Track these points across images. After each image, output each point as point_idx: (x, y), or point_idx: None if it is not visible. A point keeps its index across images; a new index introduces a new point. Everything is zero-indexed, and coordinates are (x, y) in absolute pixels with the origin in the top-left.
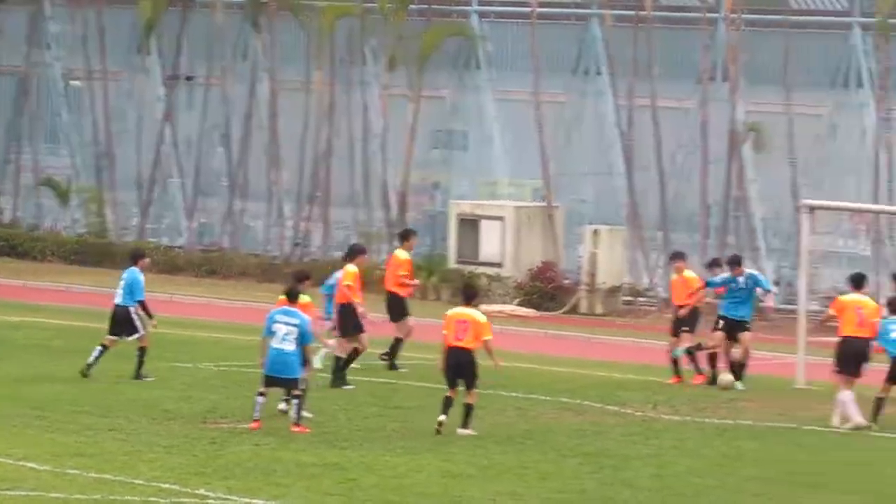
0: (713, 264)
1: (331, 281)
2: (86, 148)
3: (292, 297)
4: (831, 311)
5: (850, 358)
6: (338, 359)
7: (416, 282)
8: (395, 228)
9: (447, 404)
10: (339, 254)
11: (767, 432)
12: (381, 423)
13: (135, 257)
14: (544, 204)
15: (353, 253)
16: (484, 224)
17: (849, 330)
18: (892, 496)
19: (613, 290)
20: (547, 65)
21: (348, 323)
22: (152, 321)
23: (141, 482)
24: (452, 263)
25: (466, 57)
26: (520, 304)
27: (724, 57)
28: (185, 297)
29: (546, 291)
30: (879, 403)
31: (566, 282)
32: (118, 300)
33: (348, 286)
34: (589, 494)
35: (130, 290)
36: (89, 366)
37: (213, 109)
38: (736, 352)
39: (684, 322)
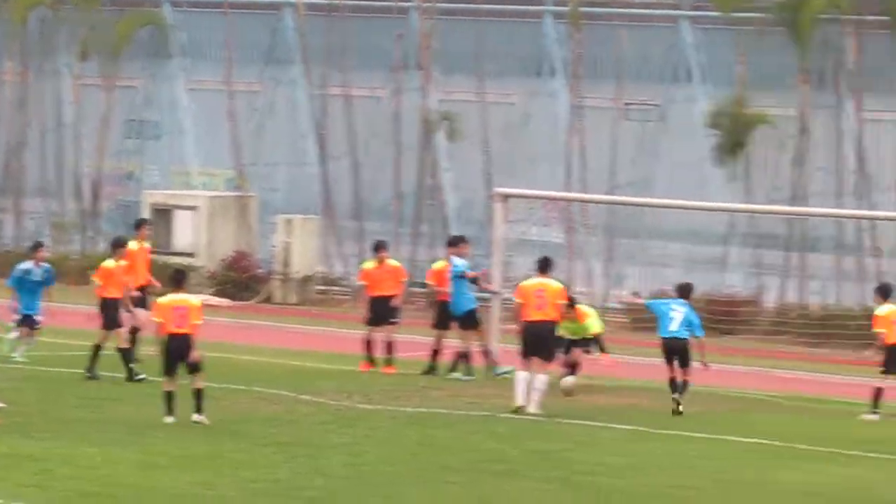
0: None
1: (17, 273)
2: None
3: None
4: (517, 299)
5: (530, 341)
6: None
7: (135, 292)
8: (88, 218)
9: (171, 399)
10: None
11: (461, 420)
12: (78, 415)
13: None
14: (238, 193)
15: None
16: (177, 214)
17: (529, 314)
18: (580, 482)
19: (307, 280)
20: (240, 54)
21: (107, 316)
22: None
23: None
24: None
25: (159, 46)
26: (213, 294)
27: (417, 45)
28: None
29: (240, 281)
30: (673, 384)
31: (260, 271)
32: None
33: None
34: (283, 483)
35: None
36: None
37: None
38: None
39: (394, 313)
